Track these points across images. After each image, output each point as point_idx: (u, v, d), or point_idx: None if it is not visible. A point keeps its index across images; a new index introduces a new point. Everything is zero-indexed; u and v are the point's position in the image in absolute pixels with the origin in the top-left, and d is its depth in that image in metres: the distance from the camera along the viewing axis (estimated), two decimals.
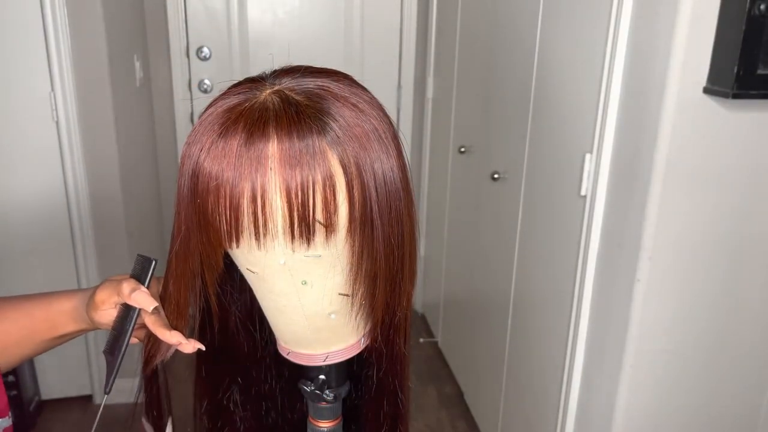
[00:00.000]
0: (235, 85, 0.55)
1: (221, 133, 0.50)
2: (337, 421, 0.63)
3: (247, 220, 0.50)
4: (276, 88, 0.52)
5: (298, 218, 0.49)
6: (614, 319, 1.32)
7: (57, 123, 2.06)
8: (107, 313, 0.66)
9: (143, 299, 0.61)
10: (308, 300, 0.55)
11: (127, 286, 0.62)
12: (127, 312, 0.63)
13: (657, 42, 1.15)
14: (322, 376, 0.61)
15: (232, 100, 0.52)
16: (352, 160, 0.51)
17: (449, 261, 2.59)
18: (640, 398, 1.32)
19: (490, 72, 2.03)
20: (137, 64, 2.46)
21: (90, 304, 0.67)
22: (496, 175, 1.93)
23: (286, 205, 0.49)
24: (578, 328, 1.45)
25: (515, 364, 1.89)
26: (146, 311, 0.61)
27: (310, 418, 0.64)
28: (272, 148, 0.49)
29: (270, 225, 0.50)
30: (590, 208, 1.38)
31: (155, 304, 0.61)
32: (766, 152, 1.19)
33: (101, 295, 0.66)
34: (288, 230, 0.50)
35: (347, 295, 0.56)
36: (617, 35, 1.26)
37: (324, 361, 0.59)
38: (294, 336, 0.58)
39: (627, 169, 1.27)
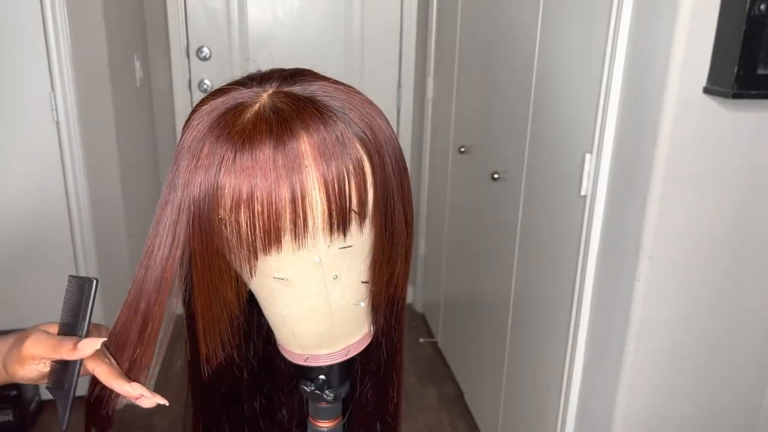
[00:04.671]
0: (212, 97, 0.52)
1: (243, 144, 0.48)
2: (337, 421, 0.63)
3: (287, 223, 0.49)
4: (271, 90, 0.52)
5: (336, 209, 0.50)
6: (614, 318, 1.32)
7: (57, 123, 2.06)
8: (34, 369, 0.59)
9: (89, 347, 0.55)
10: (336, 294, 0.55)
11: (68, 343, 0.55)
12: (65, 365, 0.57)
13: (657, 42, 1.15)
14: (322, 377, 0.60)
15: (225, 113, 0.50)
16: (372, 144, 0.52)
17: (449, 261, 2.59)
18: (640, 398, 1.32)
19: (490, 72, 2.03)
20: (137, 64, 2.46)
21: (13, 358, 0.58)
22: (496, 175, 1.93)
23: (324, 198, 0.49)
24: (578, 328, 1.45)
25: (515, 364, 1.89)
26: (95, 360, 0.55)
27: (310, 418, 0.64)
28: (304, 145, 0.48)
29: (310, 222, 0.50)
30: (590, 208, 1.38)
31: (98, 346, 0.55)
32: (766, 152, 1.19)
33: (33, 350, 0.57)
34: (327, 223, 0.50)
35: (367, 282, 0.57)
36: (617, 35, 1.26)
37: (346, 355, 0.59)
38: (318, 338, 0.58)
39: (627, 169, 1.27)
